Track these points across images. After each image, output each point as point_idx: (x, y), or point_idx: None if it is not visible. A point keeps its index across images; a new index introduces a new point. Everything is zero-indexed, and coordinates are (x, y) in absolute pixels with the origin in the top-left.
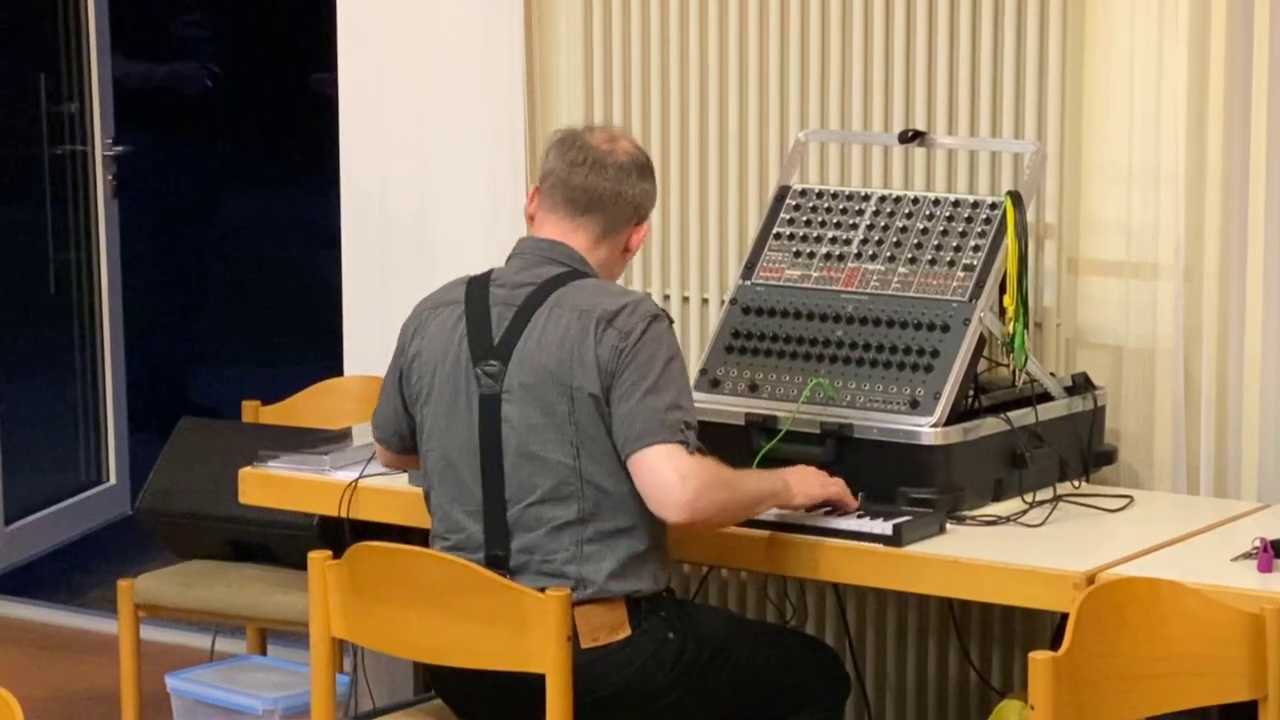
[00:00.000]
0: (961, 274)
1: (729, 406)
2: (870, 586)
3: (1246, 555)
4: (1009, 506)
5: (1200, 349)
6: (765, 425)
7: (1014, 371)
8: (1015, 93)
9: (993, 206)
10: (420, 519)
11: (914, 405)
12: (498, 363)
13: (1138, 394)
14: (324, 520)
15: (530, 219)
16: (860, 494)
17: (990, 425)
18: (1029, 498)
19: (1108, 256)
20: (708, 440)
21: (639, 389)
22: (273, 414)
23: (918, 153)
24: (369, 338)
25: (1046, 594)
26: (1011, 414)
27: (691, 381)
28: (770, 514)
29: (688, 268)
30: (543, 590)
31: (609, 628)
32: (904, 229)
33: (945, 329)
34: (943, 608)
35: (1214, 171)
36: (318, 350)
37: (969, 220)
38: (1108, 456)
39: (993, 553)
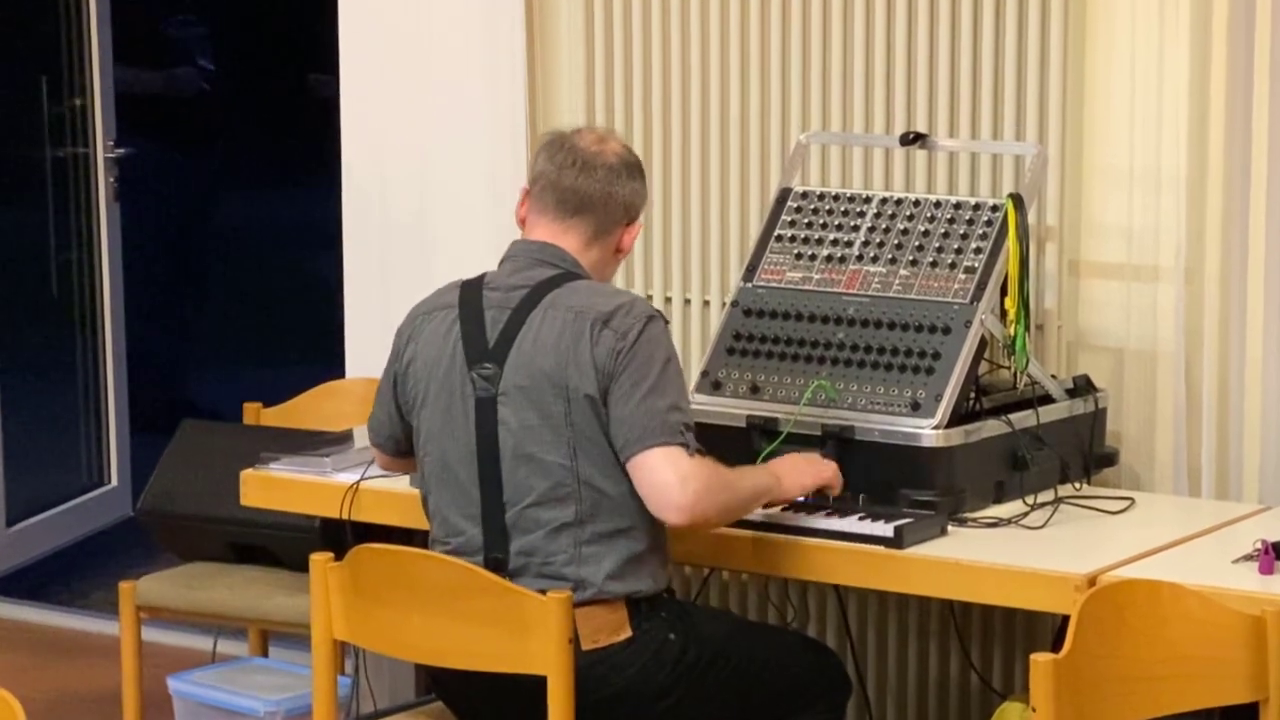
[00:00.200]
0: (963, 276)
1: (730, 408)
2: (871, 588)
3: (1247, 557)
4: (1010, 508)
5: (1201, 351)
6: (766, 427)
7: (1015, 374)
8: (1016, 95)
9: (994, 209)
10: (422, 521)
11: (915, 407)
12: (493, 366)
13: (1139, 396)
14: (325, 522)
15: (521, 222)
16: (861, 496)
17: (991, 427)
18: (1030, 500)
19: (1109, 259)
20: (709, 442)
21: (638, 391)
22: (274, 416)
23: (919, 155)
24: (370, 339)
25: (1048, 596)
26: (1013, 416)
27: (693, 383)
28: (772, 515)
29: (689, 270)
30: (543, 592)
31: (610, 629)
32: (905, 231)
33: (946, 331)
34: (944, 610)
35: (1215, 174)
36: (319, 352)
37: (970, 223)
38: (1109, 459)
39: (994, 555)
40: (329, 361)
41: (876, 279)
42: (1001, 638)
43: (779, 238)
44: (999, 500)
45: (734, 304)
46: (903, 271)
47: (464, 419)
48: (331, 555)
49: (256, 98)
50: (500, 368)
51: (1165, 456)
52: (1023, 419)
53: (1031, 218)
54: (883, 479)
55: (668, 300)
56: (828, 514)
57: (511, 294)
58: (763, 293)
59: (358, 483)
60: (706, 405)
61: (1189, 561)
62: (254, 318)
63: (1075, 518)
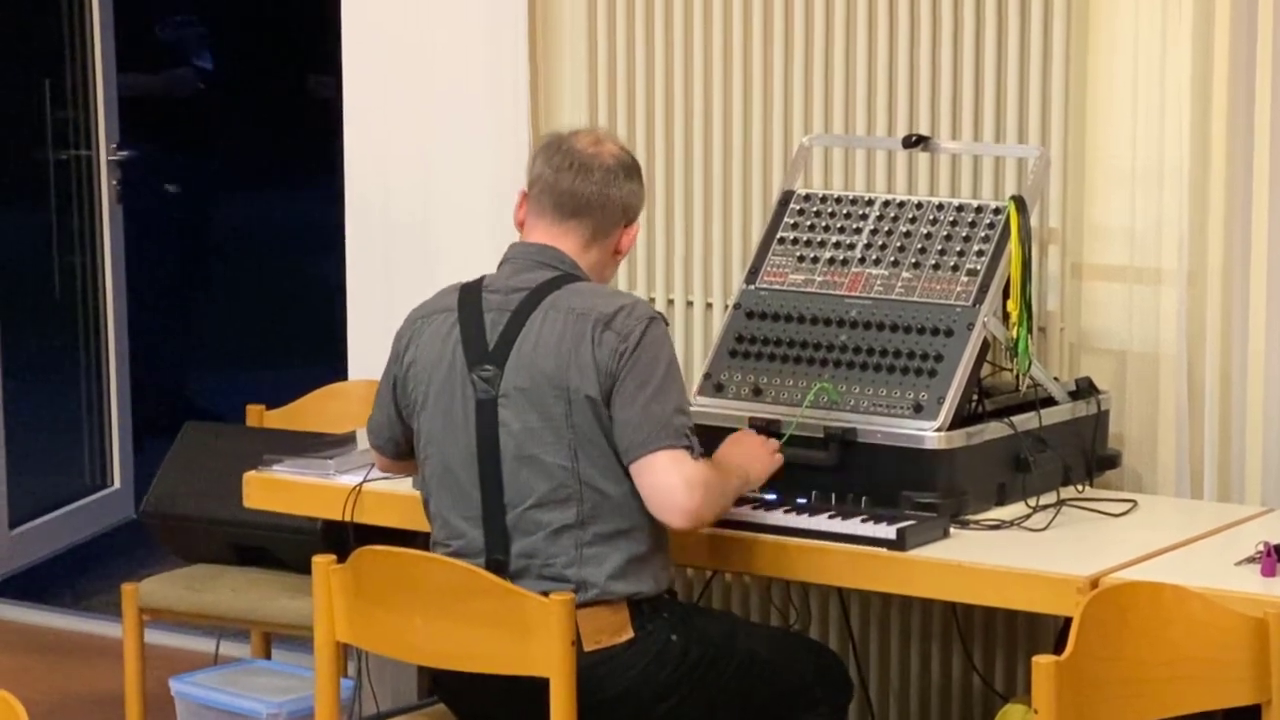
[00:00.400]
0: (965, 279)
1: (732, 411)
2: (873, 590)
3: (1250, 559)
4: (1012, 511)
5: (1203, 353)
6: (769, 429)
7: (1018, 376)
8: (1019, 97)
9: (996, 211)
10: (424, 523)
11: (918, 409)
12: (493, 367)
13: (1141, 398)
14: (328, 524)
15: (519, 225)
16: (863, 498)
17: (994, 430)
18: (1032, 502)
19: (1111, 261)
20: (711, 445)
21: (643, 393)
22: (277, 418)
23: (921, 157)
24: (373, 341)
25: (1050, 598)
26: (1015, 418)
27: (695, 386)
28: (774, 518)
29: (691, 272)
30: (544, 594)
31: (612, 630)
32: (908, 234)
33: (949, 333)
34: (946, 612)
35: (1217, 176)
36: (322, 354)
37: (973, 225)
38: (1111, 461)
39: (996, 557)
40: (331, 363)
41: (879, 281)
42: (1004, 640)
43: (781, 240)
44: (1001, 502)
45: (736, 306)
46: (905, 274)
47: (464, 421)
48: (334, 557)
49: (257, 99)
50: (500, 370)
51: (1167, 458)
52: (1025, 421)
53: (1034, 220)
54: (885, 481)
55: (670, 302)
56: (830, 516)
57: (511, 296)
58: (765, 295)
59: (360, 485)
60: (709, 407)
61: (1191, 563)
62: (257, 320)
63: (1077, 520)
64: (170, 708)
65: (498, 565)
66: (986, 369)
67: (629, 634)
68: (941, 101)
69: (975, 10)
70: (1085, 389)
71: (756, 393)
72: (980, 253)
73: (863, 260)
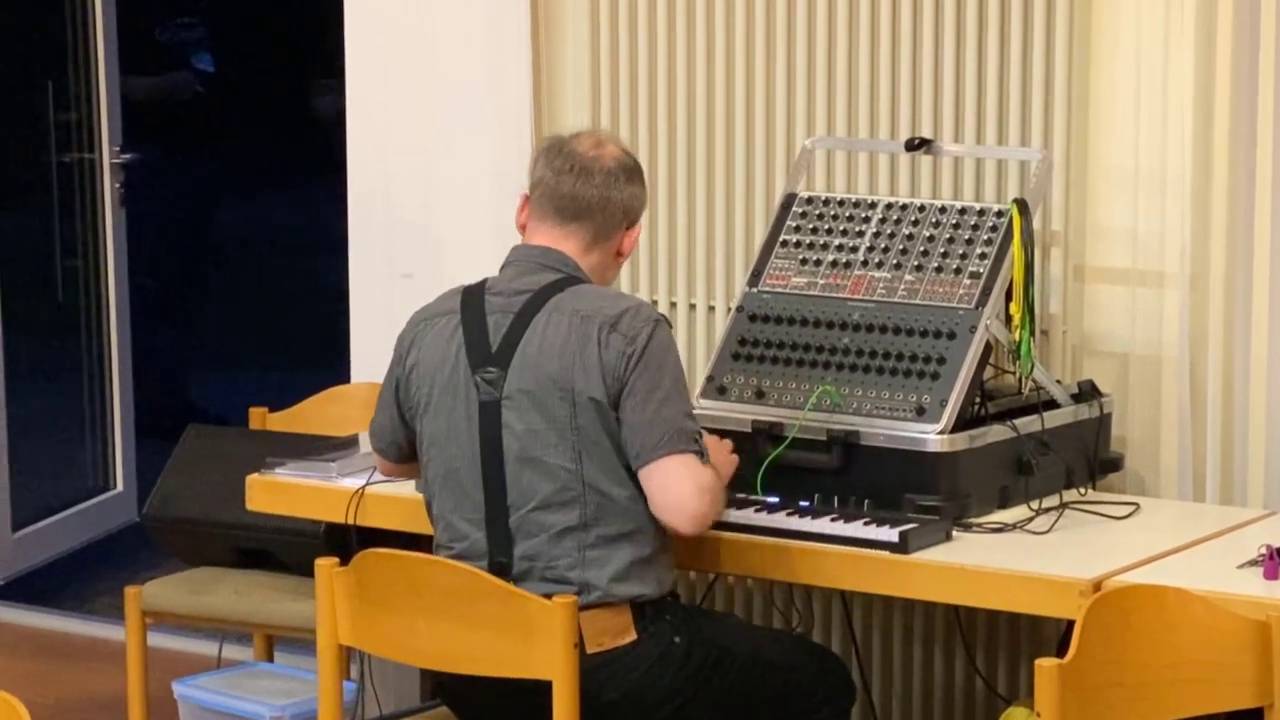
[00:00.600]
0: (968, 281)
1: (735, 414)
2: (876, 593)
3: (1252, 562)
4: (1015, 514)
5: (1206, 356)
6: (772, 432)
7: (1020, 379)
8: (1021, 100)
9: (999, 214)
10: (427, 526)
11: (920, 412)
12: (497, 369)
13: (1144, 401)
14: (331, 527)
15: (522, 228)
16: (866, 501)
17: (996, 433)
18: (1035, 505)
19: (1114, 264)
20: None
21: (654, 397)
22: (280, 421)
23: (924, 160)
24: (376, 344)
25: (1052, 601)
26: (1018, 421)
27: (698, 388)
28: (776, 521)
29: (694, 275)
30: (547, 596)
31: (614, 632)
32: (910, 236)
33: (951, 336)
34: (949, 615)
35: (1220, 179)
36: (325, 357)
37: (975, 228)
38: (1114, 464)
39: (999, 560)
40: (334, 366)
41: (882, 284)
42: (1006, 643)
43: (784, 243)
44: (1004, 505)
45: (739, 309)
46: (908, 277)
47: (467, 423)
48: (337, 560)
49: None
50: (504, 372)
51: (1170, 461)
52: (1028, 424)
53: (1036, 223)
54: (888, 484)
55: (673, 305)
56: (832, 519)
57: (514, 299)
58: (768, 298)
59: (363, 488)
60: (712, 410)
61: (1194, 566)
62: (259, 322)
63: (1080, 523)
64: (173, 711)
65: (501, 567)
66: (989, 372)
67: (632, 636)
68: (944, 104)
69: (978, 13)
70: (1088, 392)
71: (759, 395)
72: (983, 256)
73: (865, 263)
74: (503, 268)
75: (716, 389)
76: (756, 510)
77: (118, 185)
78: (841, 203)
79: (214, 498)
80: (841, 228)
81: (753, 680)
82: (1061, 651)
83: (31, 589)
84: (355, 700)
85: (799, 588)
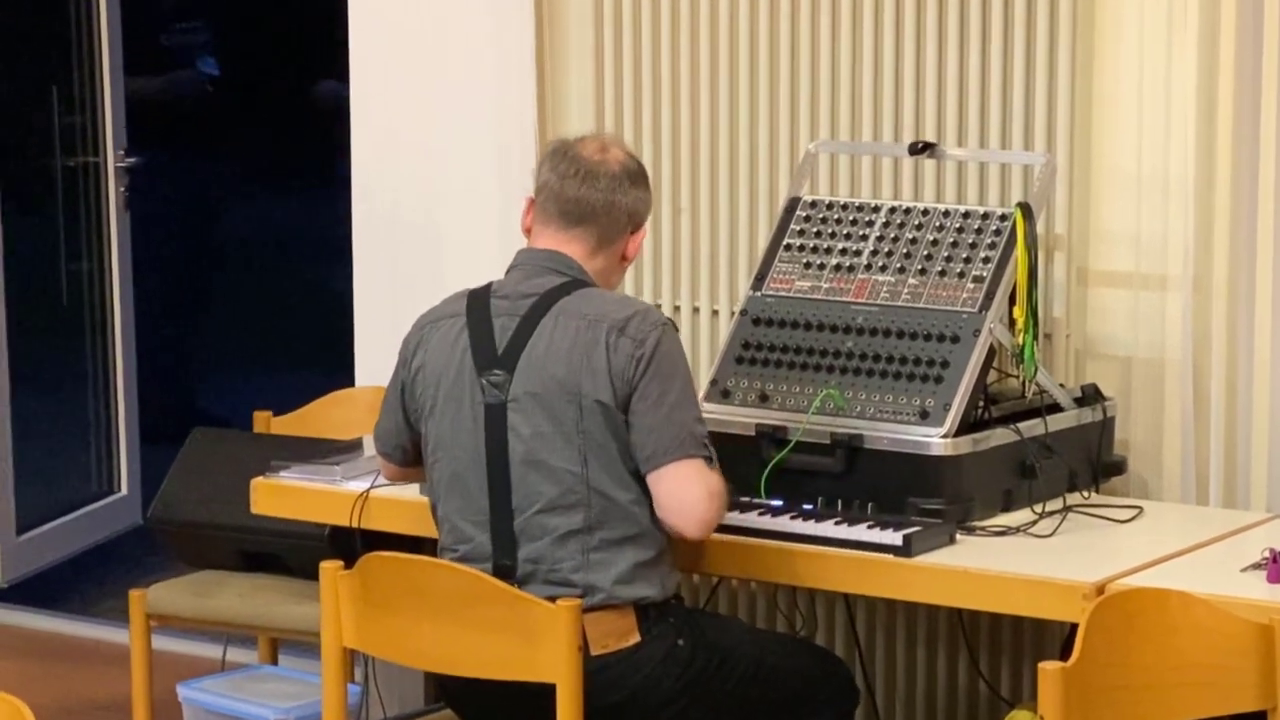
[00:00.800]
0: (971, 285)
1: (739, 417)
2: (880, 596)
3: (1256, 566)
4: (1018, 517)
5: (1209, 359)
6: (775, 436)
7: (1023, 382)
8: (1025, 104)
9: (1002, 218)
10: (431, 529)
11: (924, 416)
12: (502, 372)
13: (1147, 405)
14: (335, 530)
15: (527, 231)
16: (870, 504)
17: (1000, 436)
18: (1038, 508)
19: (1117, 267)
20: (718, 452)
21: (665, 401)
22: (284, 424)
23: (927, 164)
24: (380, 347)
25: (1056, 604)
26: (1021, 425)
27: (702, 392)
28: (780, 524)
29: (698, 279)
30: (551, 599)
31: (618, 634)
32: (914, 240)
33: (955, 340)
34: (952, 618)
35: (1223, 182)
36: (329, 360)
37: (979, 231)
38: (1117, 467)
39: (1002, 563)
40: (339, 369)
41: (885, 288)
42: (1010, 646)
43: (788, 247)
44: (1007, 509)
45: (743, 313)
46: (911, 280)
47: (473, 426)
48: (341, 563)
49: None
50: (510, 374)
51: (1173, 465)
52: (1031, 427)
53: (1040, 227)
54: (891, 487)
55: (676, 309)
56: (836, 522)
57: (520, 302)
58: (771, 301)
59: (367, 491)
60: (716, 414)
61: (1197, 570)
62: (264, 326)
63: (1083, 526)
64: (177, 713)
65: (504, 570)
66: (992, 375)
67: (635, 638)
68: (947, 108)
69: (981, 17)
70: (1091, 395)
71: (763, 399)
72: (986, 259)
73: (869, 267)
74: (508, 271)
75: (720, 392)
76: (760, 513)
77: (122, 189)
78: (845, 206)
79: (219, 501)
80: (845, 231)
81: (756, 683)
82: (1065, 655)
83: (36, 592)
84: (360, 703)
85: (802, 591)
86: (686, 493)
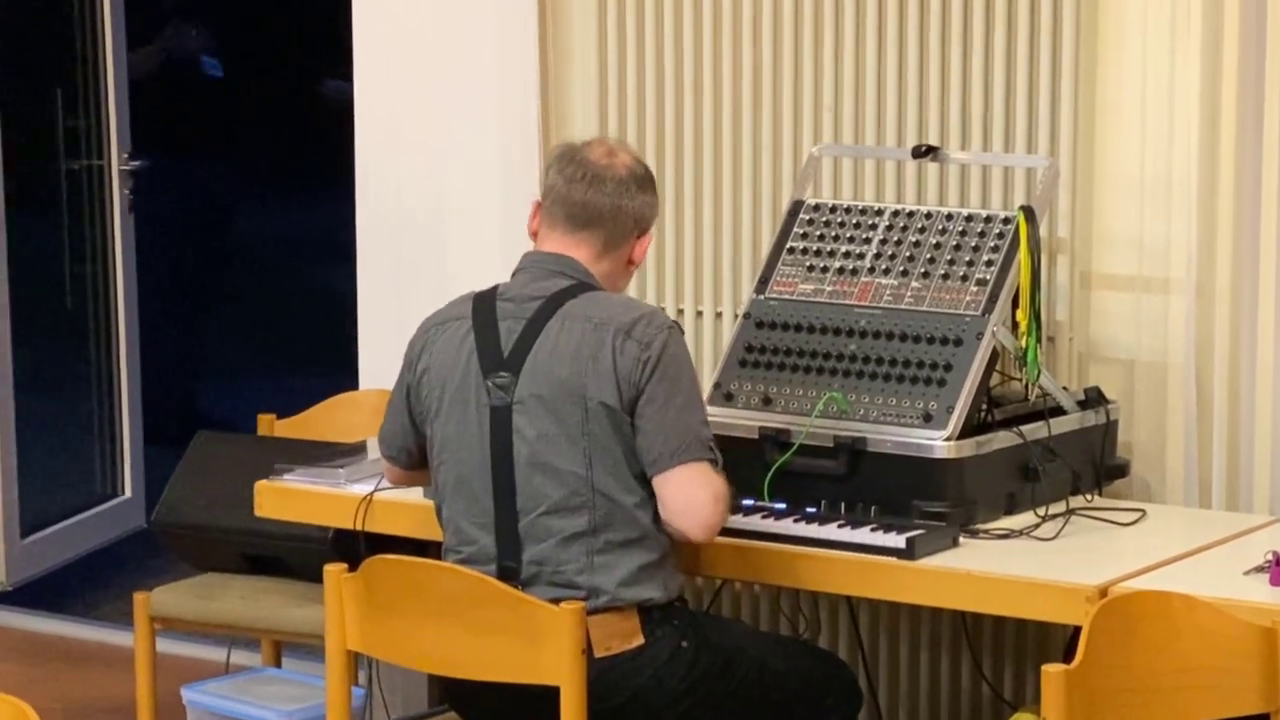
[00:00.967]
0: (974, 288)
1: (742, 420)
2: (883, 599)
3: (1259, 569)
4: (1021, 520)
5: (1212, 362)
6: (779, 439)
7: (1026, 385)
8: (1028, 108)
9: (1005, 221)
10: (435, 532)
11: (927, 419)
12: (508, 375)
13: (1150, 408)
14: (339, 533)
15: (533, 235)
16: (873, 507)
17: (1003, 439)
18: (1041, 511)
19: (1120, 271)
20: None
21: (673, 404)
22: (288, 427)
23: (931, 167)
24: (384, 351)
25: (1059, 607)
26: (1024, 428)
27: (706, 395)
28: (783, 527)
29: (701, 282)
30: (555, 601)
31: (622, 636)
32: (917, 243)
33: (958, 343)
34: (955, 621)
35: (1226, 186)
36: (333, 363)
37: (982, 235)
38: (1120, 470)
39: (1005, 566)
40: (343, 372)
41: (888, 291)
42: (1013, 649)
43: (791, 250)
44: (1010, 511)
45: (746, 316)
46: (914, 284)
47: (478, 428)
48: (345, 566)
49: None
50: (515, 377)
51: (1176, 468)
52: (1034, 430)
53: (1043, 230)
54: (894, 490)
55: (680, 312)
56: (840, 525)
57: (526, 304)
58: (775, 305)
59: (371, 494)
60: (719, 417)
61: (1200, 573)
62: (268, 329)
63: (1086, 529)
64: (181, 716)
65: (509, 572)
66: (995, 378)
67: (639, 640)
68: (951, 112)
69: (985, 21)
70: (1094, 398)
71: (766, 402)
72: (989, 262)
73: (872, 270)
74: (515, 274)
75: (724, 395)
76: (763, 516)
77: (126, 191)
78: (848, 210)
79: (222, 504)
80: (848, 235)
81: (759, 685)
82: (1068, 657)
83: (40, 594)
84: (363, 706)
85: (806, 593)
86: (693, 496)
